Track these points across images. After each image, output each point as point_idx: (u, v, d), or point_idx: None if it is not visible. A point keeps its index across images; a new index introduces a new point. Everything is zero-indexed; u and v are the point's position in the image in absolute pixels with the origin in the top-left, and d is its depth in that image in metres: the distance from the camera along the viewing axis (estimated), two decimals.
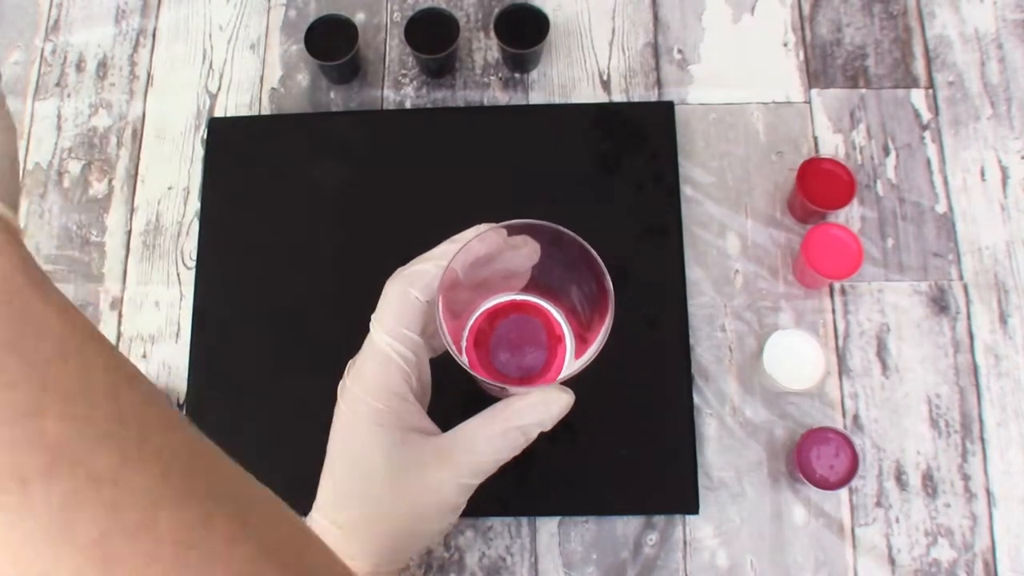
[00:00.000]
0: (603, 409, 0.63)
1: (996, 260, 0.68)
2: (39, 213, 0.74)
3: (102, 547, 0.20)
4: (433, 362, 0.41)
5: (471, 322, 0.43)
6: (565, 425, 0.65)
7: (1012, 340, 0.66)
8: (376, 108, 0.74)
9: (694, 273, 0.68)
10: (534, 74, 0.75)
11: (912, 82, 0.73)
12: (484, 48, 0.76)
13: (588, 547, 0.63)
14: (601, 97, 0.74)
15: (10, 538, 0.19)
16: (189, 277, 0.71)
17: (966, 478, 0.64)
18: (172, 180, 0.74)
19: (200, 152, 0.74)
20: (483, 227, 0.39)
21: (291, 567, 0.24)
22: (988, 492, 0.63)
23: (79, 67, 0.77)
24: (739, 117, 0.73)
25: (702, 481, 0.63)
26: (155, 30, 0.78)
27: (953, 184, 0.70)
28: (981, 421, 0.65)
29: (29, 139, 0.76)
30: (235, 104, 0.75)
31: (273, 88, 0.76)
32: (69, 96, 0.77)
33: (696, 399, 0.65)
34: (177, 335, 0.70)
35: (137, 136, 0.75)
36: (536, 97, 0.74)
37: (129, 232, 0.73)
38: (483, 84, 0.75)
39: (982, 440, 0.65)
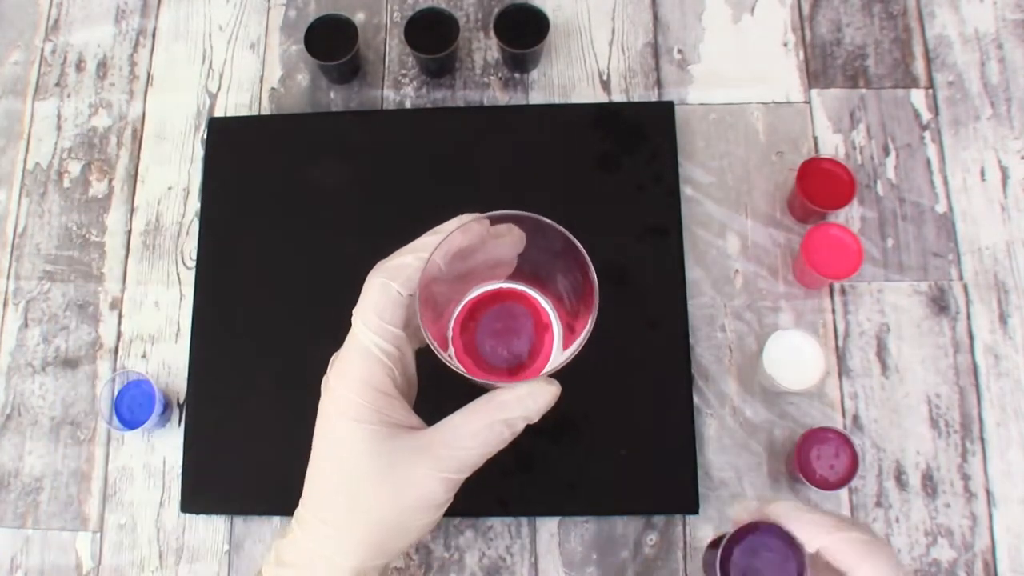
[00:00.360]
0: (603, 409, 0.63)
1: (996, 260, 0.68)
2: (39, 213, 0.74)
3: None
4: (422, 355, 0.41)
5: (457, 312, 0.43)
6: (565, 425, 0.65)
7: (1012, 340, 0.66)
8: (376, 108, 0.74)
9: (694, 273, 0.68)
10: (534, 74, 0.75)
11: (912, 82, 0.73)
12: (484, 48, 0.76)
13: (588, 547, 0.63)
14: (601, 97, 0.74)
15: None
16: (189, 277, 0.71)
17: (966, 478, 0.64)
18: (172, 180, 0.74)
19: (200, 152, 0.74)
20: (465, 217, 0.39)
21: None
22: (988, 492, 0.63)
23: (79, 67, 0.77)
24: (739, 117, 0.73)
25: (702, 481, 0.63)
26: (155, 30, 0.78)
27: (953, 184, 0.70)
28: (981, 421, 0.65)
29: (29, 139, 0.76)
30: (235, 104, 0.75)
31: (273, 88, 0.76)
32: (69, 96, 0.77)
33: (696, 399, 0.65)
34: (177, 335, 0.70)
35: (137, 136, 0.75)
36: (536, 97, 0.74)
37: (129, 232, 0.73)
38: (483, 84, 0.75)
39: (982, 440, 0.65)
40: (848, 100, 0.73)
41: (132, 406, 0.66)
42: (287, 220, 0.70)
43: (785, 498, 0.40)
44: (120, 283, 0.71)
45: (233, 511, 0.66)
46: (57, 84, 0.77)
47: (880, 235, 0.69)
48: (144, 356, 0.69)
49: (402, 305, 0.38)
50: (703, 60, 0.75)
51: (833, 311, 0.68)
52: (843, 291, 0.68)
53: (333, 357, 0.40)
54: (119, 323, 0.70)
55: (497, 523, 0.64)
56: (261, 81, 0.76)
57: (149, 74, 0.77)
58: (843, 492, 0.63)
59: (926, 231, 0.69)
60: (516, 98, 0.74)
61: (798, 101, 0.73)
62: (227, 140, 0.73)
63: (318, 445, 0.40)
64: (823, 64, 0.74)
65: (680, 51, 0.75)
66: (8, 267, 0.72)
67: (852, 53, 0.74)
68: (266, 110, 0.75)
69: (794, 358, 0.62)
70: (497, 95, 0.74)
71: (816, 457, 0.61)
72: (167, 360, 0.69)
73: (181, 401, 0.68)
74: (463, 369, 0.37)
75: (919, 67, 0.74)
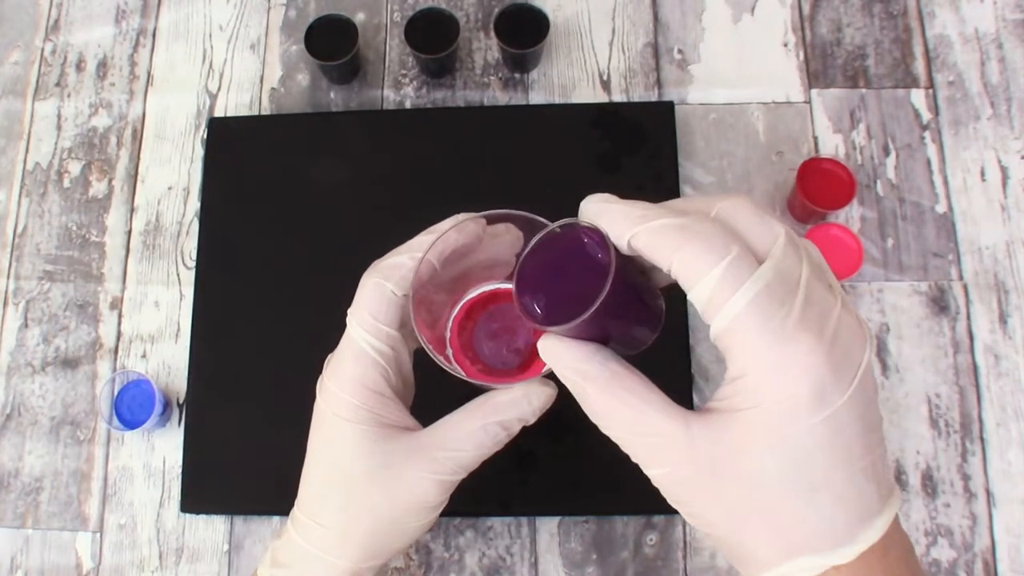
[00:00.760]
0: None
1: (996, 260, 0.68)
2: (39, 213, 0.74)
3: None
4: (420, 355, 0.41)
5: (454, 313, 0.43)
6: (565, 425, 0.65)
7: (1012, 340, 0.66)
8: (376, 108, 0.74)
9: None
10: (534, 74, 0.75)
11: (912, 82, 0.73)
12: (484, 48, 0.76)
13: (588, 547, 0.63)
14: (601, 97, 0.74)
15: None
16: (189, 277, 0.71)
17: (966, 478, 0.64)
18: (172, 180, 0.74)
19: (200, 152, 0.74)
20: (461, 217, 0.39)
21: None
22: (988, 492, 0.63)
23: (79, 67, 0.77)
24: (739, 117, 0.73)
25: None
26: (155, 30, 0.78)
27: (953, 184, 0.70)
28: (981, 421, 0.65)
29: (29, 139, 0.76)
30: (235, 104, 0.75)
31: (273, 88, 0.76)
32: (69, 96, 0.77)
33: (696, 399, 0.65)
34: (177, 335, 0.70)
35: (137, 136, 0.75)
36: (536, 97, 0.74)
37: (129, 232, 0.73)
38: (483, 84, 0.75)
39: (982, 440, 0.65)
40: (848, 100, 0.73)
41: (132, 406, 0.66)
42: (287, 220, 0.70)
43: (602, 193, 0.33)
44: (120, 283, 0.71)
45: (233, 511, 0.66)
46: (57, 84, 0.77)
47: (880, 235, 0.69)
48: (144, 356, 0.69)
49: (396, 305, 0.38)
50: (703, 60, 0.75)
51: None
52: (843, 291, 0.68)
53: (328, 358, 0.40)
54: (119, 323, 0.70)
55: (497, 523, 0.64)
56: (261, 81, 0.76)
57: (149, 74, 0.77)
58: None
59: (926, 231, 0.69)
60: (516, 98, 0.74)
61: (798, 101, 0.73)
62: (227, 140, 0.73)
63: (312, 446, 0.40)
64: (823, 64, 0.74)
65: (680, 51, 0.75)
66: (8, 267, 0.72)
67: (852, 53, 0.74)
68: (266, 110, 0.75)
69: None
70: (497, 95, 0.74)
71: None
72: (167, 360, 0.69)
73: (181, 401, 0.68)
74: (458, 370, 0.37)
75: (919, 67, 0.74)
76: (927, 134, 0.72)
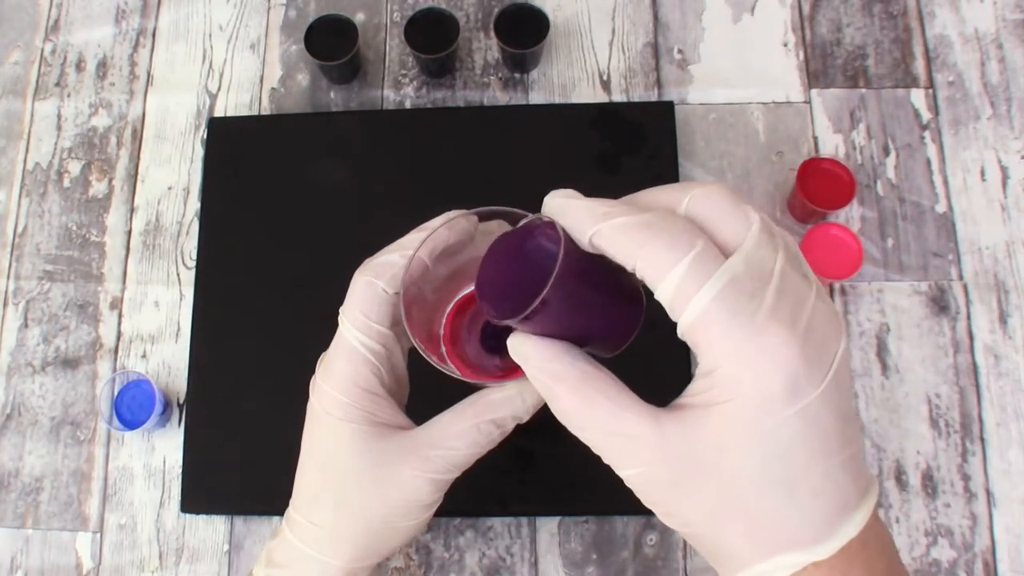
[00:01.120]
0: None
1: (996, 260, 0.68)
2: (39, 213, 0.74)
3: None
4: (415, 354, 0.41)
5: (447, 310, 0.43)
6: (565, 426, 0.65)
7: (1012, 340, 0.66)
8: (376, 108, 0.74)
9: None
10: (534, 74, 0.75)
11: (912, 82, 0.73)
12: (484, 48, 0.76)
13: (588, 547, 0.63)
14: (601, 97, 0.74)
15: None
16: (189, 277, 0.71)
17: (966, 478, 0.64)
18: (172, 180, 0.74)
19: (200, 152, 0.74)
20: (452, 214, 0.39)
21: None
22: (988, 492, 0.63)
23: (79, 67, 0.77)
24: (739, 117, 0.73)
25: None
26: (155, 30, 0.78)
27: (953, 184, 0.70)
28: (981, 421, 0.65)
29: (29, 139, 0.76)
30: (235, 104, 0.75)
31: (273, 88, 0.76)
32: (69, 96, 0.77)
33: None
34: (177, 335, 0.70)
35: (137, 136, 0.75)
36: (536, 97, 0.74)
37: (129, 232, 0.73)
38: (483, 84, 0.75)
39: (982, 440, 0.64)
40: (848, 100, 0.73)
41: (132, 406, 0.66)
42: (287, 220, 0.70)
43: (565, 188, 0.33)
44: (120, 283, 0.71)
45: (233, 511, 0.66)
46: (57, 84, 0.77)
47: (880, 235, 0.69)
48: (144, 356, 0.69)
49: (388, 303, 0.38)
50: (703, 60, 0.75)
51: None
52: (843, 291, 0.68)
53: (321, 357, 0.40)
54: (119, 323, 0.70)
55: (497, 523, 0.64)
56: (261, 81, 0.76)
57: (149, 74, 0.77)
58: None
59: (926, 231, 0.69)
60: (516, 98, 0.74)
61: (798, 101, 0.73)
62: (227, 140, 0.73)
63: (306, 446, 0.40)
64: (823, 64, 0.74)
65: (680, 51, 0.75)
66: (8, 267, 0.72)
67: (852, 53, 0.74)
68: (266, 110, 0.75)
69: None
70: (497, 95, 0.74)
71: None
72: (167, 360, 0.69)
73: (181, 401, 0.68)
74: (452, 368, 0.37)
75: (919, 67, 0.74)
76: (927, 134, 0.72)
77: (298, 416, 0.41)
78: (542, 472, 0.63)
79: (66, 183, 0.74)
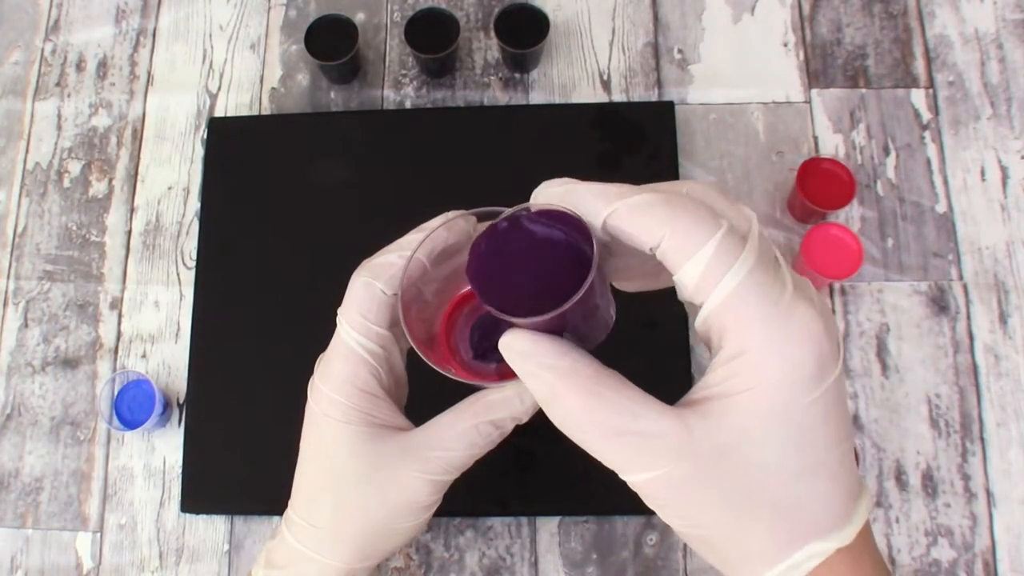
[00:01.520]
0: None
1: (996, 260, 0.68)
2: (39, 213, 0.74)
3: None
4: (414, 354, 0.41)
5: (445, 311, 0.42)
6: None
7: (1012, 340, 0.66)
8: (376, 108, 0.74)
9: None
10: (534, 74, 0.75)
11: (912, 82, 0.73)
12: (484, 48, 0.76)
13: (588, 547, 0.63)
14: (601, 97, 0.74)
15: None
16: (189, 277, 0.71)
17: (966, 478, 0.64)
18: (172, 180, 0.74)
19: (200, 152, 0.74)
20: (450, 214, 0.39)
21: None
22: (988, 492, 0.63)
23: (79, 67, 0.77)
24: (739, 117, 0.73)
25: None
26: (155, 30, 0.78)
27: (953, 184, 0.70)
28: (981, 421, 0.65)
29: (29, 139, 0.76)
30: (235, 104, 0.75)
31: (273, 88, 0.76)
32: (69, 96, 0.77)
33: None
34: (177, 335, 0.70)
35: (137, 136, 0.75)
36: (536, 97, 0.74)
37: (129, 232, 0.73)
38: (483, 84, 0.75)
39: (982, 440, 0.64)
40: (848, 100, 0.73)
41: (132, 406, 0.66)
42: (287, 220, 0.70)
43: (559, 178, 0.31)
44: (120, 283, 0.71)
45: (233, 511, 0.66)
46: (57, 84, 0.77)
47: (880, 235, 0.69)
48: (144, 356, 0.69)
49: (386, 304, 0.38)
50: (703, 60, 0.74)
51: (833, 311, 0.68)
52: (843, 291, 0.68)
53: (319, 358, 0.40)
54: (119, 323, 0.70)
55: (497, 523, 0.64)
56: (261, 81, 0.76)
57: (149, 74, 0.77)
58: None
59: (926, 231, 0.69)
60: (516, 98, 0.74)
61: (798, 101, 0.73)
62: (227, 140, 0.73)
63: (304, 447, 0.40)
64: (823, 64, 0.74)
65: (680, 51, 0.75)
66: (8, 267, 0.72)
67: (852, 53, 0.74)
68: (266, 110, 0.75)
69: None
70: (497, 95, 0.74)
71: None
72: (167, 360, 0.69)
73: (181, 401, 0.68)
74: (450, 370, 0.37)
75: (919, 67, 0.74)
76: (927, 134, 0.72)
77: (298, 416, 0.41)
78: (542, 472, 0.63)
79: (66, 183, 0.74)
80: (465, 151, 0.71)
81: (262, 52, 0.77)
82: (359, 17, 0.77)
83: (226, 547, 0.65)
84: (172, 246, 0.72)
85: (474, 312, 0.43)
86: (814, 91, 0.73)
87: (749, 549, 0.28)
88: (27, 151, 0.75)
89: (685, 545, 0.63)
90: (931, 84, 0.73)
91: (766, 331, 0.26)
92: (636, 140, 0.70)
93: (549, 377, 0.29)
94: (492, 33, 0.72)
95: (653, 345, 0.66)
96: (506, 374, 0.41)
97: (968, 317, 0.67)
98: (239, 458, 0.65)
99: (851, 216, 0.70)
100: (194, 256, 0.71)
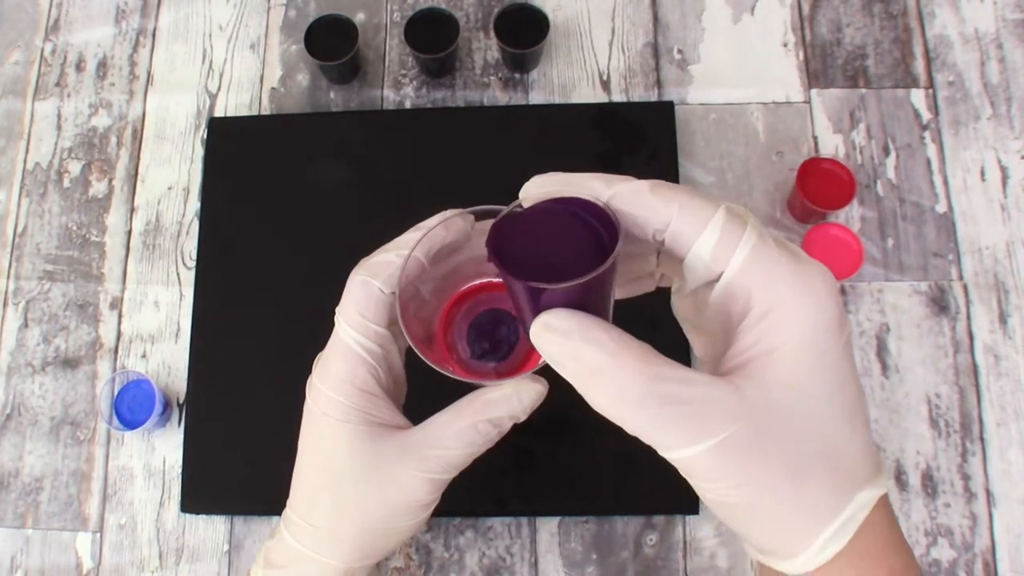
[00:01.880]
0: None
1: (996, 260, 0.68)
2: (39, 213, 0.74)
3: None
4: (412, 354, 0.41)
5: (443, 310, 0.43)
6: (565, 425, 0.65)
7: (1012, 340, 0.66)
8: (376, 108, 0.74)
9: None
10: (534, 74, 0.75)
11: (912, 82, 0.73)
12: (484, 48, 0.76)
13: (588, 547, 0.63)
14: (601, 97, 0.74)
15: None
16: (189, 277, 0.71)
17: (966, 478, 0.64)
18: (172, 180, 0.74)
19: (200, 152, 0.74)
20: (448, 213, 0.39)
21: None
22: (988, 492, 0.63)
23: (79, 67, 0.77)
24: (739, 117, 0.73)
25: None
26: (155, 30, 0.78)
27: (953, 184, 0.70)
28: (981, 421, 0.65)
29: (29, 139, 0.76)
30: (235, 104, 0.75)
31: (273, 88, 0.76)
32: (69, 96, 0.77)
33: None
34: (177, 335, 0.70)
35: (137, 136, 0.75)
36: (536, 97, 0.74)
37: (129, 232, 0.73)
38: (483, 84, 0.75)
39: (982, 440, 0.64)
40: (848, 100, 0.73)
41: (132, 406, 0.67)
42: (287, 220, 0.70)
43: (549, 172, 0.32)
44: (120, 283, 0.71)
45: (233, 511, 0.66)
46: (57, 84, 0.77)
47: (880, 235, 0.69)
48: (144, 356, 0.69)
49: (385, 303, 0.38)
50: (703, 60, 0.74)
51: None
52: (843, 291, 0.68)
53: (317, 357, 0.40)
54: (119, 323, 0.70)
55: (497, 523, 0.64)
56: (261, 81, 0.76)
57: (149, 74, 0.77)
58: None
59: (926, 231, 0.69)
60: (516, 98, 0.74)
61: (798, 101, 0.73)
62: (227, 140, 0.73)
63: (302, 446, 0.40)
64: (823, 64, 0.74)
65: (680, 51, 0.75)
66: (8, 267, 0.72)
67: (852, 53, 0.74)
68: (266, 110, 0.75)
69: None
70: (497, 95, 0.74)
71: None
72: (167, 360, 0.69)
73: (181, 401, 0.68)
74: (448, 368, 0.37)
75: (919, 67, 0.74)
76: (927, 134, 0.72)
77: (298, 416, 0.41)
78: (542, 472, 0.63)
79: (66, 183, 0.74)
80: (465, 151, 0.71)
81: (262, 52, 0.77)
82: (359, 17, 0.77)
83: (226, 547, 0.65)
84: (172, 246, 0.72)
85: (472, 311, 0.43)
86: (814, 91, 0.73)
87: (803, 508, 0.27)
88: (27, 151, 0.75)
89: (685, 545, 0.63)
90: (931, 84, 0.73)
91: (792, 283, 0.27)
92: (636, 140, 0.70)
93: (595, 353, 0.28)
94: (492, 33, 0.72)
95: (654, 345, 0.66)
96: (503, 373, 0.41)
97: (968, 317, 0.67)
98: (239, 458, 0.65)
99: (851, 216, 0.70)
100: (194, 256, 0.71)
